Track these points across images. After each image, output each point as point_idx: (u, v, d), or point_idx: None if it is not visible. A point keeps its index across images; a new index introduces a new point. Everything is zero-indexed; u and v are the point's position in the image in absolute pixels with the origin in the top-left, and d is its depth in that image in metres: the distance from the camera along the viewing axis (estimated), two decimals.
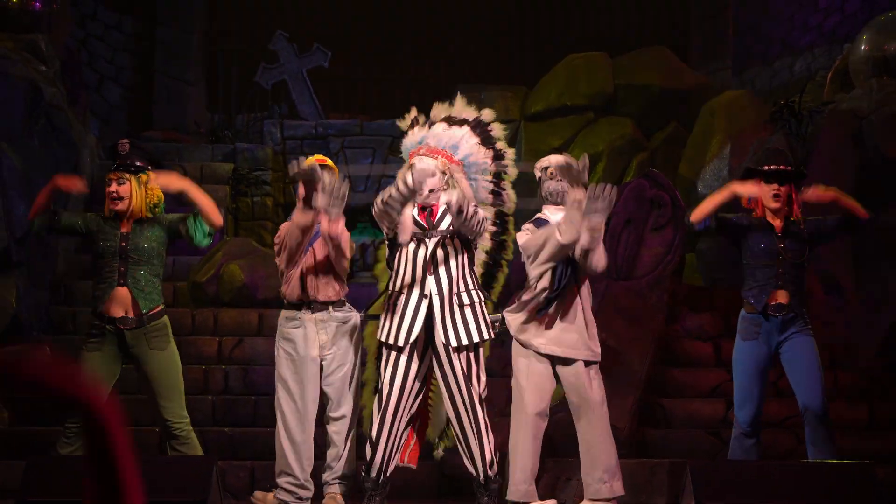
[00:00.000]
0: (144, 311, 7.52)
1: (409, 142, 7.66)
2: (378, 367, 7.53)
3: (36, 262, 11.52)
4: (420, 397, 7.45)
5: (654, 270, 10.52)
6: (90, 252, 7.76)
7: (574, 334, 7.65)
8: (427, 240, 7.41)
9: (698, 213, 7.92)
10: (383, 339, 7.36)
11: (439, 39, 19.37)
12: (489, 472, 7.36)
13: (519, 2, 19.61)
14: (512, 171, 7.92)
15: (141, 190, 7.68)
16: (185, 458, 7.14)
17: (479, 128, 7.61)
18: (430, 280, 7.35)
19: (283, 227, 7.97)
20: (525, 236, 7.81)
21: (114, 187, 7.68)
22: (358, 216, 14.61)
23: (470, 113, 7.65)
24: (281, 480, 8.01)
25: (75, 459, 6.83)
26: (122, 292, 7.50)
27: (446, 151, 7.51)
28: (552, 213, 8.12)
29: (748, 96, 13.62)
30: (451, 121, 7.58)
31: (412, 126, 7.66)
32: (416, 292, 7.34)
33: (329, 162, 8.18)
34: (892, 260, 11.11)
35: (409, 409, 7.37)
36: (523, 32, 19.55)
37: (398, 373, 7.30)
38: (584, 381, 7.67)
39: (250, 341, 11.17)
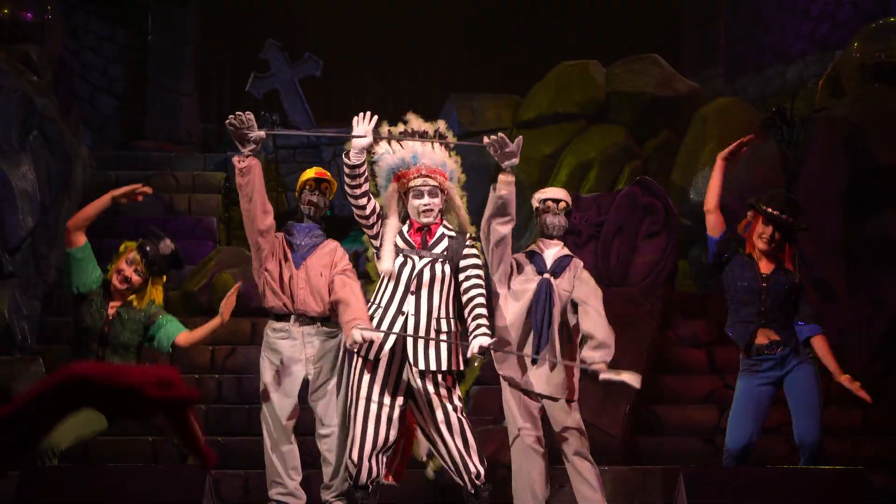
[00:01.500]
0: None
1: (393, 161, 7.47)
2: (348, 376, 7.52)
3: (29, 273, 11.51)
4: (400, 411, 7.33)
5: (646, 277, 10.54)
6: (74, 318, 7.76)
7: (559, 376, 7.71)
8: (416, 259, 7.33)
9: (711, 199, 7.87)
10: (372, 356, 7.29)
11: (431, 48, 19.40)
12: (478, 483, 7.34)
13: (511, 10, 19.64)
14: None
15: (150, 291, 7.76)
16: (179, 468, 7.14)
17: (443, 139, 7.52)
18: (410, 299, 7.29)
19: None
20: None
21: (128, 273, 7.73)
22: (350, 224, 14.61)
23: (427, 126, 7.53)
24: (272, 492, 8.02)
25: (69, 468, 6.83)
26: None
27: (441, 170, 7.45)
28: (546, 248, 8.06)
29: (740, 104, 13.65)
30: (420, 136, 7.47)
31: (375, 143, 7.51)
32: (393, 309, 7.29)
33: (328, 175, 8.19)
34: (884, 266, 11.12)
35: (390, 418, 7.26)
36: (515, 41, 19.58)
37: (373, 383, 7.23)
38: (568, 415, 7.76)
39: (243, 350, 11.17)
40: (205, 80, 18.33)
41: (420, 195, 7.33)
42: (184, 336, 7.81)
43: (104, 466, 7.15)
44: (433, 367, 7.19)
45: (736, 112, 13.22)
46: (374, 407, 7.21)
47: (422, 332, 7.19)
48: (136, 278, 7.71)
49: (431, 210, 7.33)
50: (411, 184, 7.34)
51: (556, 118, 14.50)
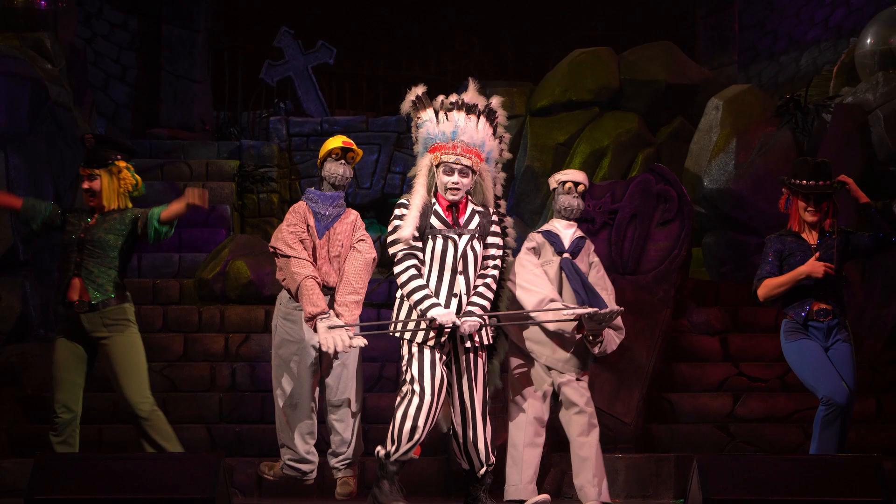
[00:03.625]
0: (93, 303, 7.56)
1: (433, 131, 7.37)
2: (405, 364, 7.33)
3: (42, 261, 11.52)
4: (447, 387, 7.27)
5: (660, 265, 10.52)
6: None
7: (574, 354, 7.79)
8: (456, 238, 7.26)
9: (767, 296, 7.84)
10: (419, 339, 7.19)
11: (444, 35, 19.35)
12: (487, 468, 7.34)
13: None
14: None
15: (113, 181, 7.71)
16: (193, 455, 7.14)
17: (491, 117, 7.46)
18: (461, 279, 7.22)
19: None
20: (525, 264, 7.80)
21: (86, 184, 7.72)
22: (364, 211, 14.62)
23: (481, 100, 7.46)
24: (282, 454, 8.04)
25: (83, 457, 6.84)
26: (76, 283, 7.56)
27: (477, 150, 7.36)
28: (563, 228, 8.05)
29: (754, 91, 13.60)
30: (467, 109, 7.36)
31: (421, 108, 7.40)
32: (444, 291, 7.21)
33: (354, 145, 8.15)
34: None
35: (441, 396, 7.21)
36: (528, 28, 19.53)
37: (436, 368, 7.13)
38: (580, 391, 7.81)
39: (257, 338, 11.18)
40: (218, 67, 18.30)
41: (451, 172, 7.24)
42: (163, 213, 7.74)
43: (118, 454, 7.16)
44: (480, 342, 7.24)
45: (750, 99, 13.17)
46: (439, 396, 7.12)
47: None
48: (94, 183, 7.69)
49: (458, 189, 7.25)
50: (444, 158, 7.25)
51: (570, 106, 14.47)
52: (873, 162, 11.62)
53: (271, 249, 7.99)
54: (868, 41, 12.36)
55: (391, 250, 7.23)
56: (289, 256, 7.80)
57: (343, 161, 8.07)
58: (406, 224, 7.17)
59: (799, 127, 12.26)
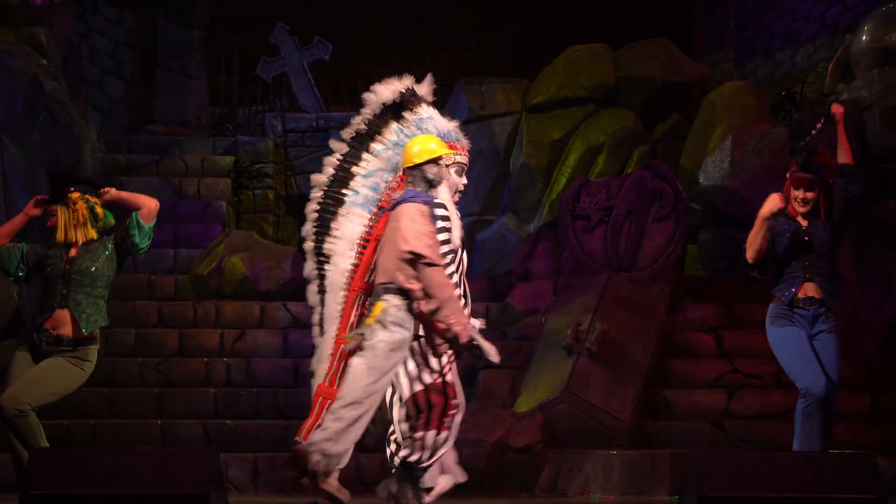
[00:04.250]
0: (84, 333, 7.52)
1: (442, 128, 7.30)
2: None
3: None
4: None
5: (655, 262, 10.53)
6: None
7: None
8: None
9: (752, 253, 7.81)
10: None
11: (441, 32, 19.36)
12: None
13: None
14: None
15: (69, 212, 7.69)
16: (188, 451, 7.14)
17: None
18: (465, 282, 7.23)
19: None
20: None
21: (51, 221, 7.71)
22: None
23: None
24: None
25: (78, 452, 6.84)
26: (63, 315, 7.51)
27: None
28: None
29: (750, 88, 13.61)
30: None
31: (416, 104, 7.29)
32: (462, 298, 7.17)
33: None
34: (893, 250, 11.10)
35: None
36: (524, 24, 19.54)
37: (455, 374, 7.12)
38: None
39: (252, 333, 11.18)
40: (214, 63, 18.30)
41: (462, 172, 7.19)
42: (141, 213, 7.73)
43: (112, 450, 7.16)
44: None
45: (745, 96, 13.18)
46: (462, 396, 7.09)
47: None
48: (53, 219, 7.68)
49: (463, 192, 7.26)
50: (458, 158, 7.20)
51: (566, 102, 14.47)
52: (869, 159, 11.61)
53: (411, 255, 7.46)
54: (863, 38, 12.35)
55: (442, 249, 7.08)
56: (438, 265, 7.33)
57: None
58: (454, 228, 7.10)
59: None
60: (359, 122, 7.33)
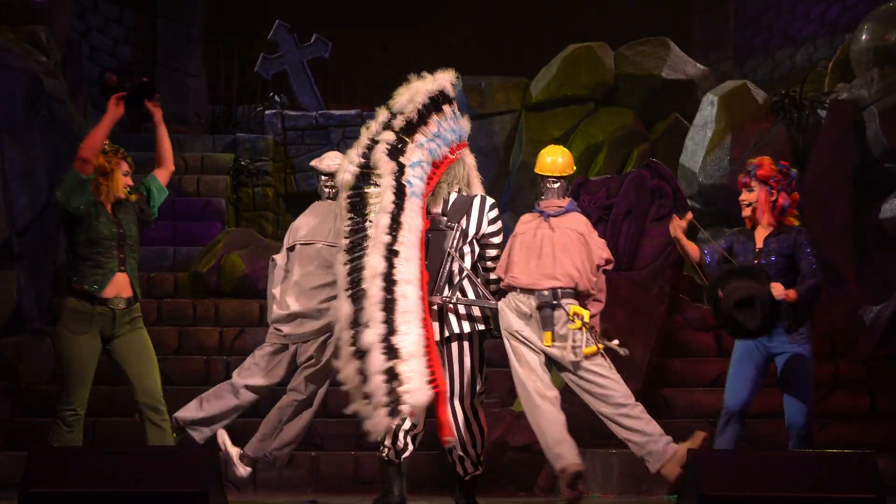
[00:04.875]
0: (134, 295, 7.53)
1: (467, 125, 7.48)
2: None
3: (37, 254, 11.51)
4: None
5: (655, 261, 10.52)
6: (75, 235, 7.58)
7: None
8: None
9: (693, 256, 7.86)
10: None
11: (440, 30, 19.36)
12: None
13: None
14: None
15: (116, 169, 7.73)
16: (187, 450, 7.15)
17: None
18: None
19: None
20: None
21: (129, 178, 7.67)
22: None
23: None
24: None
25: (78, 451, 6.84)
26: (121, 279, 7.48)
27: None
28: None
29: (749, 87, 13.61)
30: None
31: (451, 101, 7.35)
32: None
33: None
34: (893, 251, 11.10)
35: None
36: (524, 23, 19.54)
37: None
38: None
39: (252, 332, 11.18)
40: (213, 61, 18.32)
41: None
42: (162, 175, 7.83)
43: (112, 448, 7.16)
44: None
45: (745, 95, 13.18)
46: None
47: None
48: (130, 181, 7.65)
49: None
50: (469, 159, 7.46)
51: (565, 101, 14.48)
52: (868, 158, 11.62)
53: (606, 262, 7.78)
54: (863, 37, 12.35)
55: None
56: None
57: None
58: None
59: (794, 123, 12.26)
60: (410, 112, 7.26)
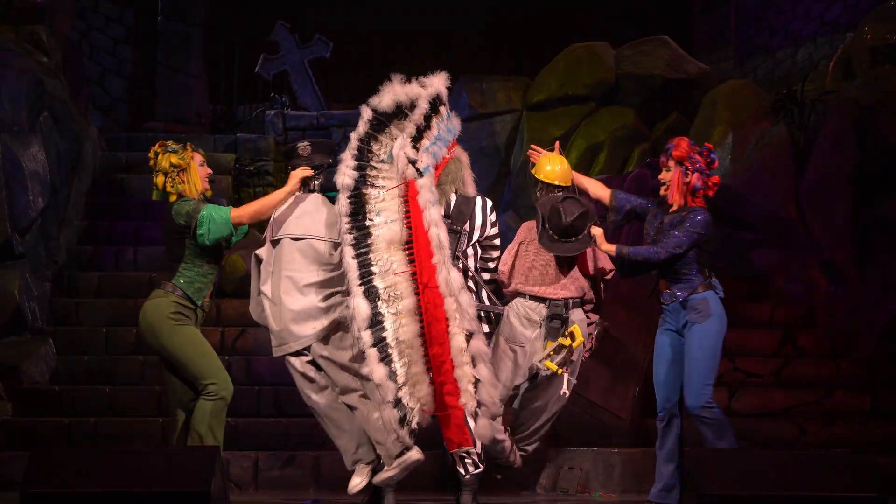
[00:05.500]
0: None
1: (457, 126, 7.55)
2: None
3: (38, 254, 11.52)
4: None
5: None
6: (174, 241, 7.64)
7: None
8: None
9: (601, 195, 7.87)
10: None
11: (441, 30, 19.37)
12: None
13: None
14: None
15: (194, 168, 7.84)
16: (189, 449, 7.15)
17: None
18: None
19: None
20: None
21: (208, 168, 7.76)
22: None
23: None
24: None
25: (79, 450, 6.85)
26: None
27: None
28: None
29: (750, 86, 13.61)
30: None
31: (440, 108, 7.41)
32: None
33: None
34: (894, 249, 11.10)
35: None
36: (525, 23, 19.54)
37: None
38: None
39: (253, 332, 11.17)
40: (214, 61, 18.31)
41: None
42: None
43: (113, 448, 7.17)
44: None
45: (746, 94, 13.18)
46: None
47: None
48: (209, 169, 7.77)
49: None
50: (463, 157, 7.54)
51: (566, 100, 14.48)
52: (869, 156, 11.62)
53: (608, 272, 7.96)
54: (864, 36, 12.35)
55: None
56: None
57: None
58: None
59: (795, 122, 12.26)
60: (418, 119, 7.30)
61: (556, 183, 7.85)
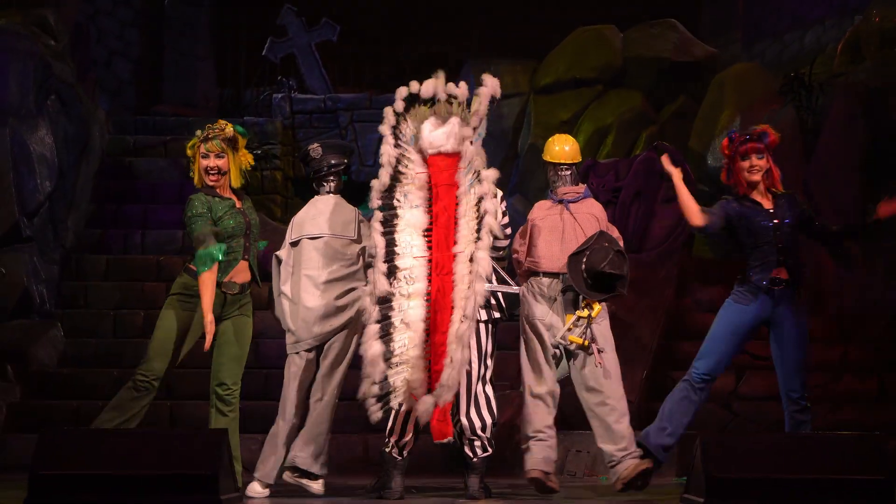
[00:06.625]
0: (259, 286, 7.63)
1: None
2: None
3: (46, 237, 11.53)
4: None
5: (664, 243, 10.53)
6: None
7: None
8: None
9: (696, 217, 7.74)
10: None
11: (448, 12, 19.32)
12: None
13: None
14: None
15: (236, 154, 7.75)
16: (197, 431, 7.17)
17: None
18: None
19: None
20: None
21: (213, 161, 7.65)
22: (367, 189, 14.59)
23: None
24: None
25: (88, 433, 6.85)
26: (243, 266, 7.51)
27: None
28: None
29: (758, 69, 13.60)
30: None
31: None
32: None
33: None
34: None
35: None
36: (532, 5, 19.50)
37: None
38: None
39: (261, 314, 11.13)
40: (221, 44, 18.29)
41: None
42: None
43: (122, 430, 7.17)
44: None
45: (753, 78, 13.17)
46: None
47: None
48: (222, 162, 7.63)
49: None
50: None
51: (574, 83, 14.47)
52: (877, 139, 11.60)
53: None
54: (873, 19, 12.32)
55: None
56: None
57: None
58: None
59: (803, 105, 12.24)
60: (477, 121, 7.28)
61: (563, 161, 7.85)
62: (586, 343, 7.49)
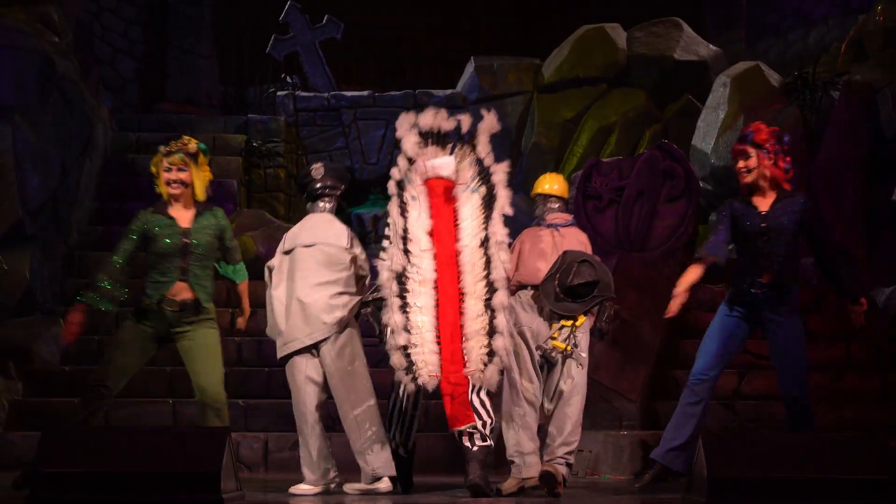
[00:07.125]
0: (206, 307, 7.55)
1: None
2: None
3: (49, 235, 11.54)
4: None
5: (667, 242, 10.51)
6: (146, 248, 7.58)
7: None
8: None
9: (703, 269, 7.82)
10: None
11: (452, 10, 19.33)
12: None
13: None
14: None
15: (198, 169, 7.72)
16: (199, 430, 7.16)
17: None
18: None
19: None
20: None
21: (174, 174, 7.61)
22: (371, 187, 14.60)
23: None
24: None
25: (90, 430, 6.86)
26: (181, 286, 7.45)
27: None
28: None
29: (762, 68, 13.58)
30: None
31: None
32: None
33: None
34: None
35: None
36: (537, 4, 19.50)
37: None
38: None
39: (262, 313, 11.16)
40: (225, 42, 18.29)
41: None
42: (243, 287, 7.95)
43: (124, 428, 7.18)
44: None
45: (757, 76, 13.16)
46: None
47: None
48: (185, 175, 7.60)
49: None
50: None
51: (577, 82, 14.47)
52: (881, 140, 11.60)
53: None
54: (877, 18, 12.31)
55: None
56: None
57: None
58: None
59: (807, 104, 12.23)
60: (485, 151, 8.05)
61: (554, 194, 8.23)
62: (569, 349, 7.57)
